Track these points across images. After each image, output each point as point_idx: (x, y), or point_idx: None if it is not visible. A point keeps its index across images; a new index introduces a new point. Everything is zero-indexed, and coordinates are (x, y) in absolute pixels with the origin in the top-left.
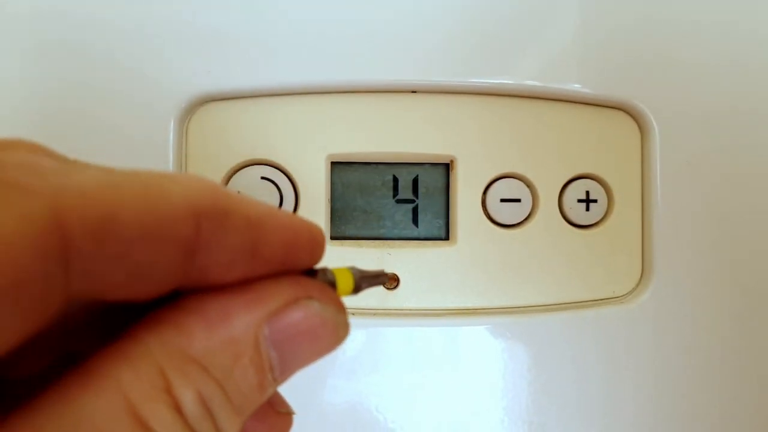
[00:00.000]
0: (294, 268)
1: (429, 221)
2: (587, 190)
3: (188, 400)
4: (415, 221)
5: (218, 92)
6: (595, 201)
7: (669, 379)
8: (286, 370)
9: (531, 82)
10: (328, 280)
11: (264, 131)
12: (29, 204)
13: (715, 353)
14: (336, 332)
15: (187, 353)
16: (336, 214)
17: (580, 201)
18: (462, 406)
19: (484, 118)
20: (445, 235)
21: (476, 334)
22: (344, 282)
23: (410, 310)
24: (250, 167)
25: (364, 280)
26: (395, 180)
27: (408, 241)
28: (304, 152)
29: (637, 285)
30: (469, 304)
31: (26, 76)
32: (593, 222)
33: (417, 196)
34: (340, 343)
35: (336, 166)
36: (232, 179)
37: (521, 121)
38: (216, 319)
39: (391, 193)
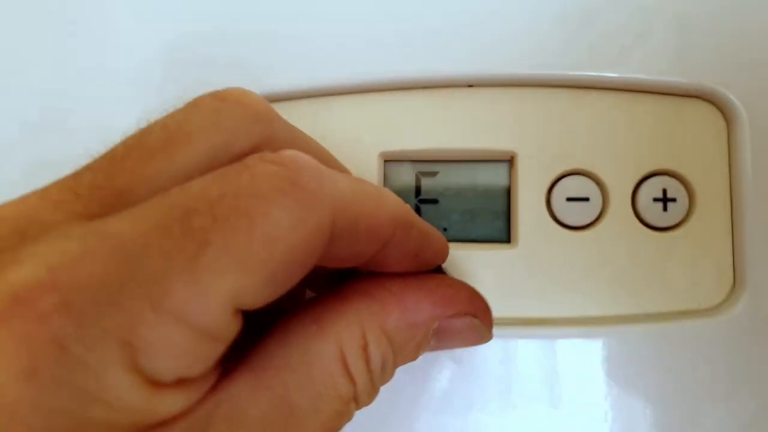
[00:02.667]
0: (433, 266)
1: (489, 222)
2: (664, 188)
3: (375, 359)
4: (474, 222)
5: (275, 94)
6: (673, 200)
7: (764, 404)
8: (437, 348)
9: (598, 71)
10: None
11: (321, 131)
12: (321, 209)
13: None
14: (480, 340)
15: (383, 326)
16: None
17: (656, 200)
18: (518, 426)
19: (547, 111)
20: (506, 237)
21: (538, 347)
22: None
23: None
24: None
25: None
26: (456, 179)
27: (466, 243)
28: (358, 151)
29: (728, 296)
30: (531, 313)
31: None
32: (673, 224)
33: (476, 196)
34: (484, 343)
35: (390, 164)
36: None
37: (588, 113)
38: (409, 308)
39: (448, 192)
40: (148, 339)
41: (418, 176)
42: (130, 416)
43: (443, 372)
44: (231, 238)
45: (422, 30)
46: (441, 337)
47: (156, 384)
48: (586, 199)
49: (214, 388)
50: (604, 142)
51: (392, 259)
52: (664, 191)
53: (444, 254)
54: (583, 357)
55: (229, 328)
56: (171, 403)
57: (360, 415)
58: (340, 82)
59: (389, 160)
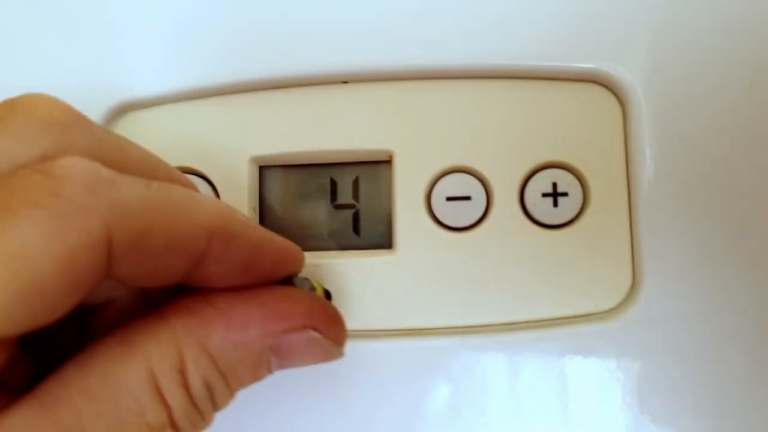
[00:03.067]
0: (277, 279)
1: (371, 228)
2: (554, 181)
3: (196, 382)
4: (356, 229)
5: (135, 100)
6: (565, 194)
7: (663, 415)
8: (281, 368)
9: (478, 59)
10: (309, 287)
11: (184, 137)
12: (88, 224)
13: (724, 384)
14: (328, 356)
15: (204, 345)
16: (265, 224)
17: (545, 195)
18: None
19: (425, 105)
20: (388, 243)
21: (419, 360)
22: (320, 292)
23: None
24: None
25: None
26: (332, 183)
27: (348, 251)
28: (226, 156)
29: (627, 296)
30: (412, 324)
31: None
32: (565, 221)
33: (358, 200)
34: (334, 360)
35: (263, 170)
36: None
37: (469, 105)
38: (236, 325)
39: (327, 198)
40: None
41: (299, 182)
42: None
43: (317, 389)
44: None
45: (291, 25)
46: (281, 355)
47: None
48: (468, 198)
49: None
50: (486, 136)
51: (217, 274)
52: (554, 185)
53: (289, 265)
54: (470, 369)
55: None
56: None
57: None
58: (208, 83)
59: (264, 165)
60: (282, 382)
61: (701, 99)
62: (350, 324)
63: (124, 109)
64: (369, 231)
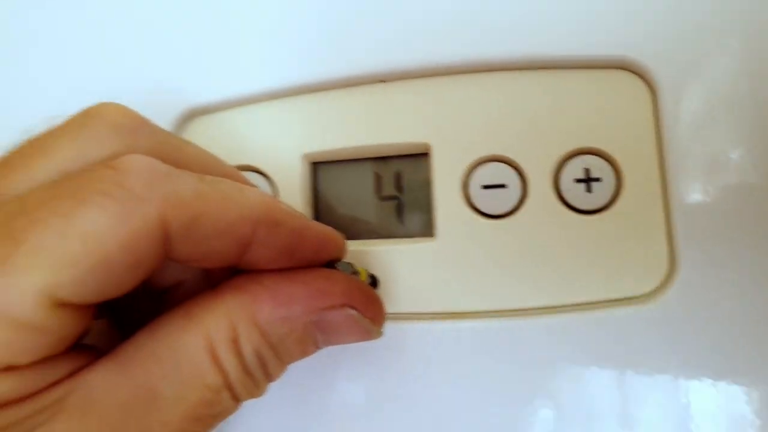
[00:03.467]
0: (321, 262)
1: (414, 217)
2: (586, 167)
3: (248, 351)
4: (400, 218)
5: (201, 106)
6: (598, 180)
7: (700, 398)
8: (327, 344)
9: (507, 52)
10: (352, 271)
11: (244, 138)
12: (147, 211)
13: (761, 367)
14: (367, 334)
15: (254, 318)
16: (317, 215)
17: (578, 181)
18: (442, 420)
19: (460, 98)
20: (429, 231)
21: (461, 341)
22: (364, 277)
23: (389, 314)
24: None
25: (371, 279)
26: (376, 176)
27: (392, 239)
28: (281, 155)
29: (664, 281)
30: (453, 307)
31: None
32: (599, 206)
33: (401, 192)
34: (373, 339)
35: (315, 166)
36: None
37: (501, 97)
38: (281, 301)
39: (373, 190)
40: None
41: (346, 176)
42: None
43: (368, 369)
44: (44, 237)
45: (329, 31)
46: (324, 331)
47: None
48: (503, 186)
49: (73, 375)
50: (519, 125)
51: (264, 258)
52: (587, 171)
53: (330, 250)
54: (508, 350)
55: (50, 320)
56: (1, 387)
57: None
58: (259, 90)
59: (317, 162)
60: (333, 358)
61: (730, 82)
62: (395, 307)
63: (192, 115)
64: (412, 220)
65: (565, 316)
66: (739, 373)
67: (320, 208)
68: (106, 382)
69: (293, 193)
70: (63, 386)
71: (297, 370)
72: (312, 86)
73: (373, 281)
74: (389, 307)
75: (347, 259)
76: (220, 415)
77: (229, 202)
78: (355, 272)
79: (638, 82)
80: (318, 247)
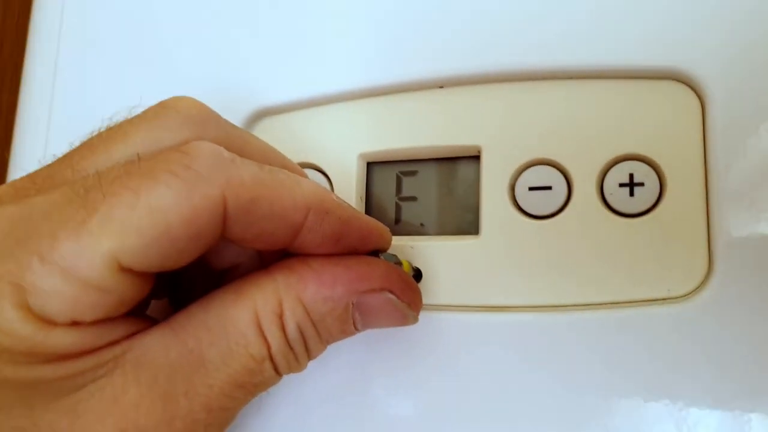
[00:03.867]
0: (366, 251)
1: (461, 216)
2: (631, 172)
3: (291, 326)
4: (449, 217)
5: (268, 108)
6: (641, 185)
7: (735, 401)
8: (365, 326)
9: (560, 61)
10: (395, 261)
11: (306, 138)
12: (209, 190)
13: None
14: (404, 319)
15: (300, 296)
16: (369, 211)
17: (622, 185)
18: (482, 409)
19: (512, 104)
20: (475, 230)
21: (501, 334)
22: (407, 268)
23: (432, 305)
24: None
25: (414, 271)
26: (428, 177)
27: (439, 236)
28: (339, 154)
29: (701, 283)
30: (495, 302)
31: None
32: (642, 210)
33: (451, 192)
34: (409, 324)
35: (370, 166)
36: None
37: (551, 104)
38: (326, 282)
39: (424, 189)
40: (36, 284)
41: (399, 176)
42: (23, 344)
43: (401, 359)
44: (115, 208)
45: (393, 38)
46: (363, 312)
47: (47, 321)
48: (549, 188)
49: (130, 336)
50: (568, 131)
51: (312, 243)
52: (631, 176)
53: (374, 239)
54: (549, 345)
55: (115, 282)
56: (64, 339)
57: None
58: (322, 93)
59: (371, 162)
60: (375, 344)
61: None
62: (437, 299)
63: (259, 116)
64: (458, 219)
65: (601, 313)
66: None
67: (372, 205)
68: (159, 345)
69: (348, 190)
70: (121, 345)
71: (339, 354)
72: (373, 90)
73: (418, 273)
74: (432, 299)
75: (392, 251)
76: (262, 384)
77: (285, 190)
78: (398, 263)
79: (688, 93)
80: (364, 237)
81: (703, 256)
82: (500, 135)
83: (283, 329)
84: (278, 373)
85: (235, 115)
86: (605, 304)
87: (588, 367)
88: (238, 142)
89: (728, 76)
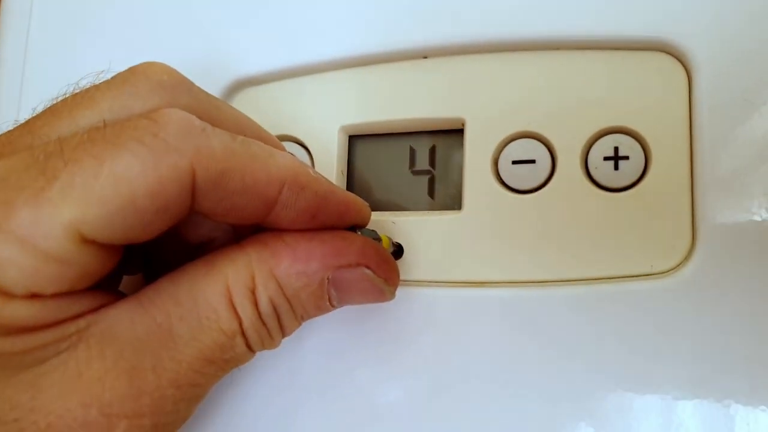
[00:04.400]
0: (344, 226)
1: (444, 192)
2: (616, 146)
3: (263, 301)
4: (431, 193)
5: (247, 78)
6: (626, 158)
7: (718, 376)
8: (341, 302)
9: (543, 31)
10: (374, 237)
11: (286, 110)
12: (177, 160)
13: None
14: (381, 294)
15: (272, 271)
16: (351, 186)
17: (607, 159)
18: (464, 385)
19: (496, 76)
20: (457, 204)
21: (484, 310)
22: (386, 243)
23: (413, 281)
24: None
25: (394, 246)
26: (411, 150)
27: (421, 211)
28: (320, 127)
29: (685, 259)
30: (478, 277)
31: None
32: (627, 184)
33: (434, 167)
34: (387, 300)
35: (351, 139)
36: None
37: (536, 75)
38: (300, 257)
39: (407, 164)
40: None
41: (381, 149)
42: None
43: (385, 332)
44: (77, 176)
45: (378, 6)
46: (338, 288)
47: (3, 293)
48: (533, 161)
49: (96, 310)
50: (553, 103)
51: (287, 218)
52: (616, 149)
53: (352, 215)
54: (532, 320)
55: (76, 254)
56: (22, 312)
57: None
58: (302, 63)
59: (353, 135)
60: (355, 321)
61: (766, 64)
62: (420, 275)
63: (238, 86)
64: (442, 194)
65: (584, 288)
66: (758, 349)
67: (354, 180)
68: (125, 318)
69: (329, 164)
70: (86, 319)
71: (317, 331)
72: (356, 60)
73: (399, 249)
74: (414, 275)
75: (373, 226)
76: (233, 360)
77: (258, 162)
78: (378, 238)
79: (675, 65)
80: (341, 213)
81: (687, 231)
82: (485, 107)
83: (255, 304)
84: (251, 350)
85: (213, 85)
86: (588, 279)
87: (571, 343)
88: (211, 111)
89: (715, 47)
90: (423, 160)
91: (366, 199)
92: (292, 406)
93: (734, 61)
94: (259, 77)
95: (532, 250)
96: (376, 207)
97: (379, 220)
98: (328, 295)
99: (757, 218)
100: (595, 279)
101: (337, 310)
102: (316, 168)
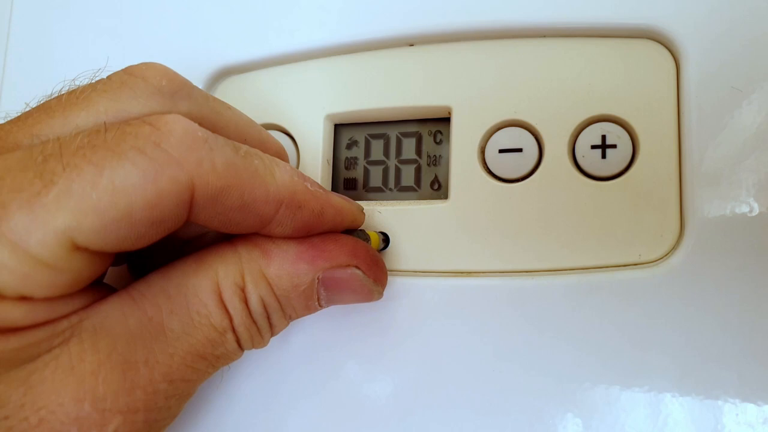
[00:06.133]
0: (337, 231)
1: (431, 179)
2: (603, 134)
3: (253, 299)
4: (417, 181)
5: (232, 66)
6: (613, 146)
7: (706, 364)
8: (330, 302)
9: (531, 19)
10: (364, 238)
11: (272, 98)
12: (177, 174)
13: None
14: (370, 294)
15: (263, 270)
16: (336, 174)
17: (594, 147)
18: (451, 375)
19: (482, 64)
20: (444, 194)
21: (470, 300)
22: (375, 240)
23: (399, 271)
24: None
25: (384, 242)
26: (397, 139)
27: (406, 201)
28: (305, 115)
29: (672, 248)
30: (464, 267)
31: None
32: (614, 172)
33: (420, 156)
34: (374, 300)
35: (337, 127)
36: None
37: (523, 63)
38: (291, 259)
39: (393, 152)
40: None
41: (367, 138)
42: None
43: (373, 324)
44: (75, 183)
45: None
46: (328, 288)
47: None
48: (519, 150)
49: (86, 308)
50: (540, 92)
51: (282, 233)
52: (603, 138)
53: (347, 223)
54: (519, 310)
55: (68, 261)
56: (13, 313)
57: None
58: (287, 51)
59: (339, 124)
60: (343, 311)
61: (754, 52)
62: (407, 264)
63: (223, 74)
64: (429, 184)
65: (572, 277)
66: (745, 338)
67: (340, 169)
68: (117, 312)
69: (315, 153)
70: (78, 315)
71: (307, 321)
72: (341, 48)
73: (386, 239)
74: (401, 264)
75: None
76: (224, 356)
77: (258, 180)
78: (367, 238)
79: (663, 52)
80: (336, 223)
81: (675, 220)
82: (471, 96)
83: (245, 301)
84: (240, 347)
85: (196, 74)
86: (576, 268)
87: (559, 331)
88: (211, 116)
89: (704, 34)
90: (409, 148)
91: (352, 188)
92: (280, 399)
93: (723, 48)
94: (243, 65)
95: (519, 239)
96: (363, 197)
97: (365, 209)
98: (318, 295)
99: (746, 207)
100: (583, 268)
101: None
102: (301, 157)
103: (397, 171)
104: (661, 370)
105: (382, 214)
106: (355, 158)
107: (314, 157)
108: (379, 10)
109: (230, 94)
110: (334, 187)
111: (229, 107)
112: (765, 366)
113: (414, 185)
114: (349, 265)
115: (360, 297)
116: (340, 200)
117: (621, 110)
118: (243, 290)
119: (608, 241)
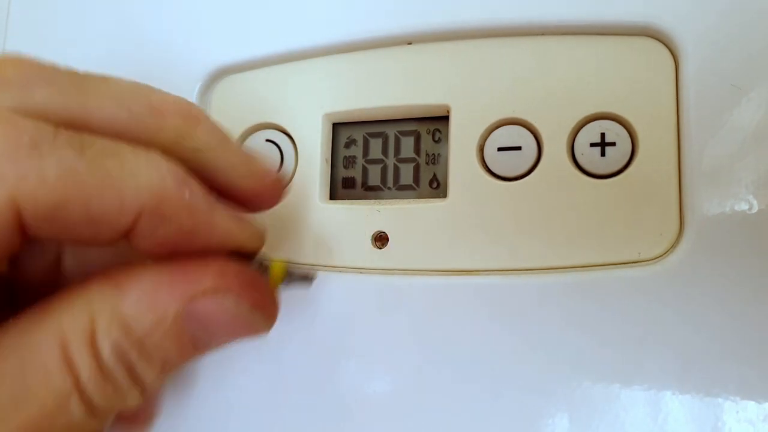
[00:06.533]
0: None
1: (430, 178)
2: (602, 132)
3: (105, 348)
4: (416, 180)
5: (230, 66)
6: (612, 144)
7: (705, 362)
8: (207, 344)
9: (529, 16)
10: (262, 268)
11: (270, 97)
12: None
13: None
14: (251, 327)
15: (117, 310)
16: (335, 174)
17: (593, 145)
18: (449, 374)
19: (480, 62)
20: (443, 192)
21: (470, 298)
22: (277, 272)
23: (397, 269)
24: (260, 131)
25: (293, 275)
26: (396, 138)
27: (406, 200)
28: (303, 114)
29: (672, 246)
30: (464, 265)
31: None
32: (613, 170)
33: (418, 155)
34: (262, 333)
35: (336, 126)
36: (245, 143)
37: (521, 61)
38: (146, 289)
39: (392, 151)
40: None
41: (365, 137)
42: None
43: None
44: None
45: None
46: (200, 325)
47: None
48: (518, 148)
49: None
50: (539, 89)
51: (146, 248)
52: (602, 135)
53: (235, 248)
54: (518, 309)
55: None
56: None
57: None
58: (285, 50)
59: (337, 123)
60: (336, 312)
61: (754, 49)
62: (406, 263)
63: (220, 74)
64: (427, 182)
65: (571, 275)
66: (744, 338)
67: (338, 168)
68: None
69: (313, 152)
70: None
71: (302, 321)
72: (339, 47)
73: (306, 277)
74: (400, 263)
75: (360, 215)
76: (73, 428)
77: (108, 188)
78: (265, 267)
79: (661, 50)
80: (218, 244)
81: (675, 218)
82: (470, 94)
83: (95, 352)
84: (93, 413)
85: (193, 74)
86: (575, 267)
87: (558, 331)
88: (79, 99)
89: (703, 31)
90: (408, 147)
91: (350, 187)
92: (280, 399)
93: (721, 46)
94: (241, 65)
95: (518, 237)
96: (361, 195)
97: (364, 208)
98: (190, 335)
99: (745, 205)
100: (582, 266)
101: (317, 297)
102: (300, 156)
103: (396, 170)
104: (661, 368)
105: (381, 213)
106: (354, 157)
107: (312, 156)
108: (377, 8)
109: (228, 93)
110: (333, 186)
111: (108, 81)
112: (766, 363)
113: (413, 184)
114: (216, 290)
115: (238, 330)
116: (226, 221)
117: (620, 108)
118: (93, 338)
119: (607, 239)
